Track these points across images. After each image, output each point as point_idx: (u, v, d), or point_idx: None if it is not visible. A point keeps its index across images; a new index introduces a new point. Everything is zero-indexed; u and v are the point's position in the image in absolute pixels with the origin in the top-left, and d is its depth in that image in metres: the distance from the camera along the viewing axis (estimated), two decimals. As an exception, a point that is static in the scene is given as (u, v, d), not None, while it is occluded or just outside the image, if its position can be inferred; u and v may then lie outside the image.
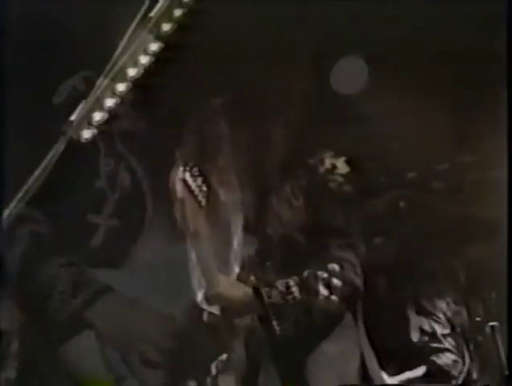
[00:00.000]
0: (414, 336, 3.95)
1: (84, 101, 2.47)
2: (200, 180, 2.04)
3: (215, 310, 2.00)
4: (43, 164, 2.42)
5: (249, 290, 2.04)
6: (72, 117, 2.45)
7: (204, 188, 2.05)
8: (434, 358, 3.81)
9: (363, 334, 2.26)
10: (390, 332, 3.68)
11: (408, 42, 3.87)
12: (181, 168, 2.04)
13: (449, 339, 3.94)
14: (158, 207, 2.11)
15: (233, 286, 2.03)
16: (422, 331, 3.92)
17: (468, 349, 4.11)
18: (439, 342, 3.91)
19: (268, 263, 2.10)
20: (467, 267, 4.23)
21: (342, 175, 4.10)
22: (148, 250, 2.09)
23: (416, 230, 4.32)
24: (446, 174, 4.54)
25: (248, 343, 2.10)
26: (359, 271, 2.19)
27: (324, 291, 2.14)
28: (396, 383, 2.91)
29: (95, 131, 2.44)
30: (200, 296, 2.05)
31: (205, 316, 2.02)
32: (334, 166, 4.08)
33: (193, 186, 2.00)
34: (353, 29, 3.54)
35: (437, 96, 4.45)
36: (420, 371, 3.74)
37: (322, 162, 4.08)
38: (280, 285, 2.09)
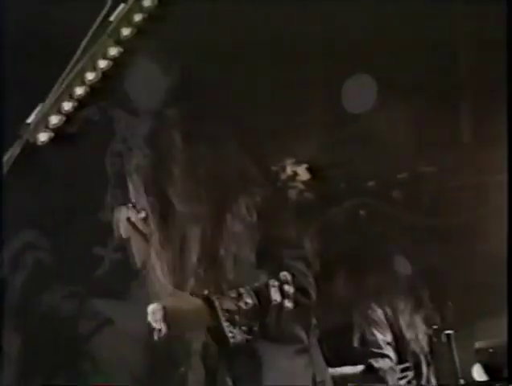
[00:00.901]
0: (356, 341, 4.00)
1: (41, 104, 2.46)
2: (143, 214, 2.06)
3: (162, 325, 1.98)
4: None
5: (198, 302, 2.03)
6: (29, 120, 2.43)
7: (148, 221, 2.06)
8: (372, 361, 3.86)
9: (316, 347, 2.27)
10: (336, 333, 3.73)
11: (387, 36, 3.89)
12: (124, 207, 2.05)
13: (390, 347, 4.00)
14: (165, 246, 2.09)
15: (181, 299, 2.02)
16: (363, 338, 3.98)
17: (426, 356, 4.15)
18: (380, 348, 3.96)
19: (221, 279, 2.09)
20: (425, 276, 4.27)
21: (303, 182, 4.13)
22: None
23: (374, 238, 4.36)
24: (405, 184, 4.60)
25: (205, 359, 2.09)
26: (311, 280, 2.19)
27: (276, 297, 2.13)
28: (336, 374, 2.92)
29: (51, 134, 2.43)
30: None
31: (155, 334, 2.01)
32: (295, 173, 4.11)
33: (138, 222, 2.01)
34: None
35: (401, 105, 4.49)
36: (358, 368, 3.80)
37: (284, 169, 4.11)
38: (231, 293, 2.08)
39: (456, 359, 4.04)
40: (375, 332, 3.98)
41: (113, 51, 2.63)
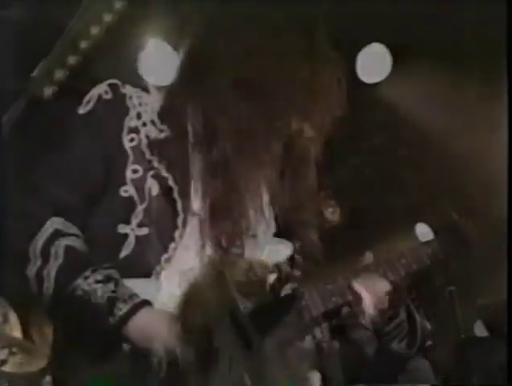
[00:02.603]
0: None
1: (45, 58, 2.45)
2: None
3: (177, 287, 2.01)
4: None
5: (212, 278, 2.04)
6: (34, 74, 2.43)
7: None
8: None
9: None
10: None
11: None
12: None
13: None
14: (190, 213, 2.09)
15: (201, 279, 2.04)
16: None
17: (419, 314, 4.12)
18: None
19: (191, 245, 2.10)
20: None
21: (309, 139, 4.12)
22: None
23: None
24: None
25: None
26: (321, 250, 2.20)
27: (285, 267, 2.16)
28: None
29: (56, 88, 2.43)
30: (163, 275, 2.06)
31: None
32: (301, 130, 4.10)
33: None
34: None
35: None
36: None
37: (289, 125, 4.09)
38: (244, 263, 2.09)
39: (459, 316, 4.06)
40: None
41: (118, 5, 2.62)
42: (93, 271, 1.95)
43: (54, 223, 2.00)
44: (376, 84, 4.60)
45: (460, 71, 4.21)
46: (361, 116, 3.73)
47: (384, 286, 2.17)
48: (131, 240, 2.04)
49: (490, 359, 3.80)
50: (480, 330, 4.06)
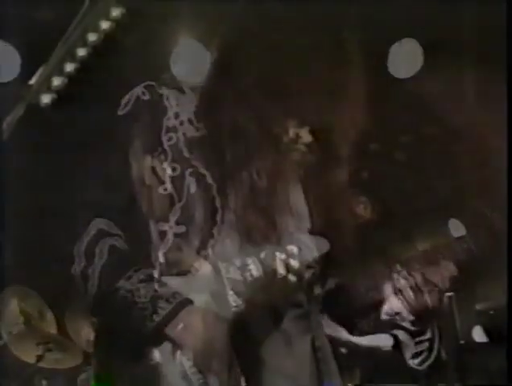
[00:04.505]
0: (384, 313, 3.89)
1: (43, 66, 2.45)
2: (165, 164, 2.09)
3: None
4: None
5: (207, 267, 2.06)
6: (31, 81, 2.43)
7: (171, 173, 2.09)
8: (397, 333, 3.77)
9: (316, 313, 2.28)
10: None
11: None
12: (149, 156, 2.08)
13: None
14: (227, 209, 2.11)
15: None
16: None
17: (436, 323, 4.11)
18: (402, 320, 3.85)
19: (228, 240, 2.11)
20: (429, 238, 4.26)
21: (306, 145, 4.11)
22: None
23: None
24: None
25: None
26: (316, 254, 2.21)
27: (281, 270, 2.16)
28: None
29: (54, 96, 2.43)
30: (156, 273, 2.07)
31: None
32: (298, 136, 4.10)
33: (161, 172, 2.05)
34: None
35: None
36: (388, 341, 3.69)
37: (286, 131, 4.09)
38: (238, 262, 2.10)
39: (457, 321, 4.05)
40: (397, 302, 3.87)
41: (116, 12, 2.62)
42: (136, 270, 1.98)
43: (98, 224, 2.04)
44: (407, 80, 4.59)
45: (489, 69, 4.20)
46: (392, 111, 3.72)
47: (451, 269, 2.21)
48: (169, 238, 2.07)
49: (489, 364, 3.79)
50: (478, 336, 4.05)
